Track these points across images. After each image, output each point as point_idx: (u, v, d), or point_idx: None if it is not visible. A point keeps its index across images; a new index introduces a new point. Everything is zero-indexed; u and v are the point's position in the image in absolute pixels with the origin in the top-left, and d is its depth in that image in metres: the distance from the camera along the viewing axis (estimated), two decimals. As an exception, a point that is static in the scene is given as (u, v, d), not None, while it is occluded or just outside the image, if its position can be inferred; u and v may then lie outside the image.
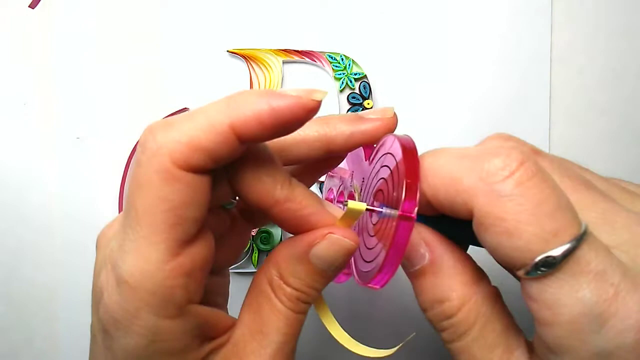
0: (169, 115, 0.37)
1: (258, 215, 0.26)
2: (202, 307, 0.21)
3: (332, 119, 0.25)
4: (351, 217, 0.21)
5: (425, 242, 0.22)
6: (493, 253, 0.19)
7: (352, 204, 0.21)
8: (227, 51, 0.38)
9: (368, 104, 0.38)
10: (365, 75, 0.38)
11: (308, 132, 0.24)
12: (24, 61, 0.38)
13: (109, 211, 0.37)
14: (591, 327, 0.18)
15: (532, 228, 0.18)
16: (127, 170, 0.37)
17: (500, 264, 0.20)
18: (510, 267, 0.19)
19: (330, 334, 0.24)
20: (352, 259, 0.25)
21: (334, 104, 0.38)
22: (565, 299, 0.18)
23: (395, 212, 0.21)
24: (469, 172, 0.20)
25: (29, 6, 0.37)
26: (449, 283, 0.21)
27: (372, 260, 0.23)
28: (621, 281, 0.18)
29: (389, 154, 0.24)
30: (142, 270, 0.19)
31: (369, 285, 0.22)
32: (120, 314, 0.20)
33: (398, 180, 0.22)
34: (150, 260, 0.19)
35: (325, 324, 0.23)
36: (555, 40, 0.39)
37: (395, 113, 0.25)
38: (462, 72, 0.39)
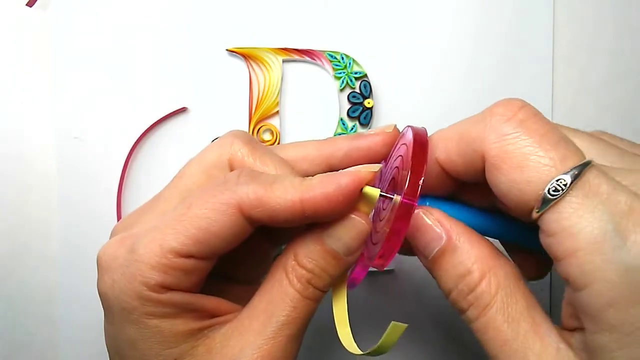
0: (167, 115, 0.37)
1: (282, 235, 0.27)
2: (194, 294, 0.23)
3: (334, 139, 0.27)
4: (366, 202, 0.22)
5: (440, 223, 0.23)
6: (507, 195, 0.21)
7: (367, 188, 0.22)
8: (226, 50, 0.38)
9: (368, 103, 0.37)
10: (366, 74, 0.38)
11: (309, 151, 0.26)
12: (21, 60, 0.38)
13: (108, 211, 0.37)
14: (614, 243, 0.18)
15: (540, 158, 0.20)
16: (125, 171, 0.37)
17: (516, 209, 0.21)
18: (525, 206, 0.20)
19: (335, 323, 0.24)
20: (366, 245, 0.25)
21: (334, 103, 0.38)
22: (582, 221, 0.19)
23: (398, 198, 0.22)
24: (475, 124, 0.22)
25: (26, 4, 0.37)
26: (469, 257, 0.22)
27: (378, 243, 0.23)
28: (633, 200, 0.19)
29: (403, 144, 0.25)
30: (153, 249, 0.22)
31: (371, 265, 0.23)
32: (119, 276, 0.22)
33: (406, 167, 0.23)
34: (163, 246, 0.22)
35: (334, 315, 0.24)
36: (557, 39, 0.39)
37: (396, 128, 0.26)
38: (463, 71, 0.38)
